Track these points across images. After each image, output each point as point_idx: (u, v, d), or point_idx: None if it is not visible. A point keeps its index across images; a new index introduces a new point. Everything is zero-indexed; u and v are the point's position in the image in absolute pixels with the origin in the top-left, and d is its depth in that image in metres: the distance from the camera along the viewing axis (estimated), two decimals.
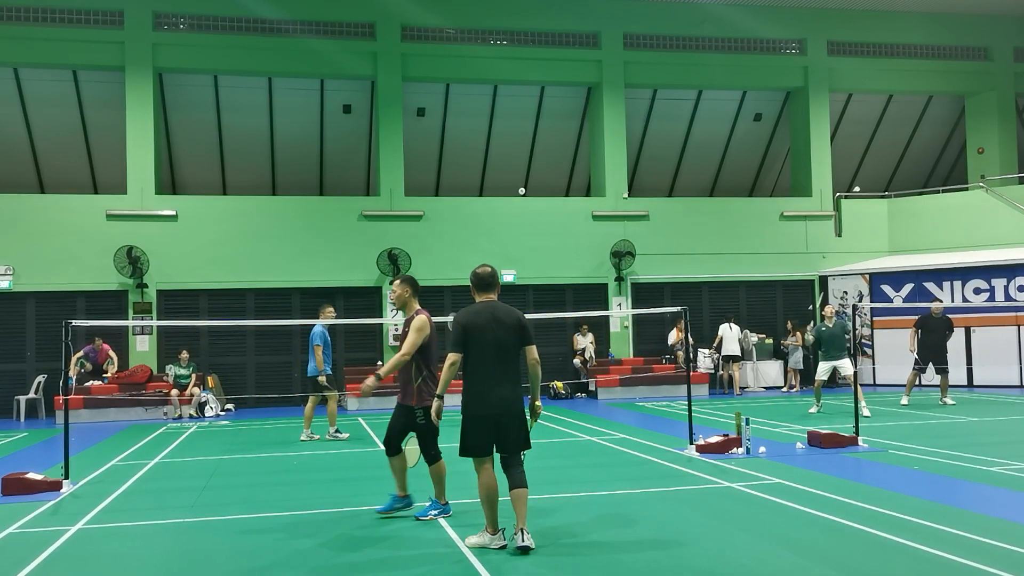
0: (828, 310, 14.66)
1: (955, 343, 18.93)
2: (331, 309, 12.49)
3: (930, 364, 15.27)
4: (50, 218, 17.89)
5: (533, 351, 5.99)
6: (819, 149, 21.54)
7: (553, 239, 19.95)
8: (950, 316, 15.95)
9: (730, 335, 19.25)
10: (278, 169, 21.10)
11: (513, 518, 5.91)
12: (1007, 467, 8.61)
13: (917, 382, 15.96)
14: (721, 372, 19.46)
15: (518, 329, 5.99)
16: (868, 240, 21.44)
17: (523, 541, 5.77)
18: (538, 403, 6.01)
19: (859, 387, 14.08)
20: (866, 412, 13.58)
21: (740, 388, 19.36)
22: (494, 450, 5.96)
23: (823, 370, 14.43)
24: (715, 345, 19.43)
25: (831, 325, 14.28)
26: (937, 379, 15.53)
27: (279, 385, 18.50)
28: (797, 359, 19.63)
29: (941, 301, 15.98)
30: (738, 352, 19.36)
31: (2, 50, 17.92)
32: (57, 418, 15.47)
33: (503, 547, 5.85)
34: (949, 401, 15.23)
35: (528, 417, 6.00)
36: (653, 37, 20.95)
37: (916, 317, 15.89)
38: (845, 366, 14.05)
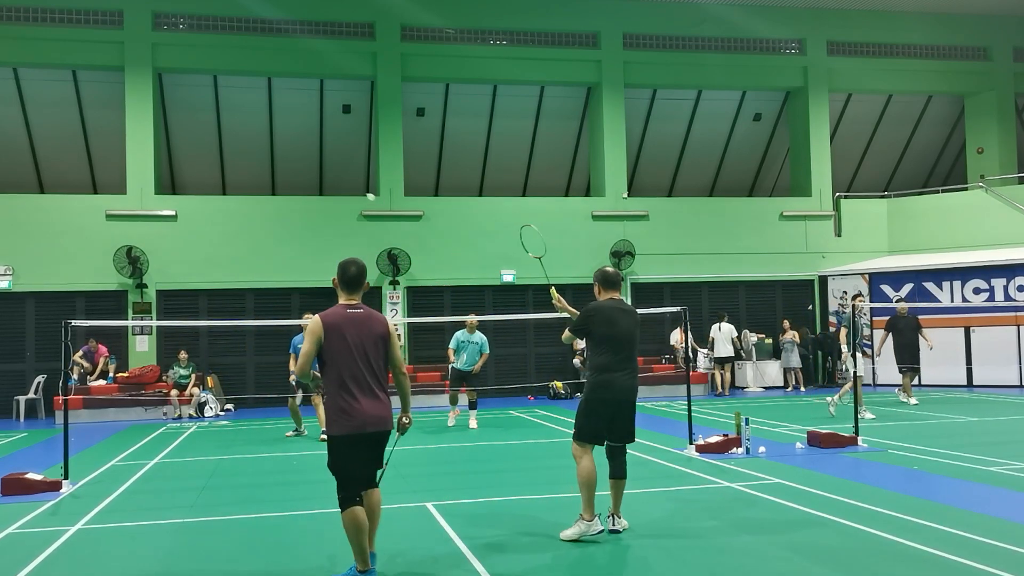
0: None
1: (955, 343, 18.96)
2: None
3: (908, 364, 14.93)
4: (50, 218, 17.88)
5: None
6: (819, 149, 21.54)
7: (553, 239, 19.71)
8: (918, 316, 15.53)
9: (720, 336, 19.11)
10: (278, 169, 21.10)
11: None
12: (1007, 467, 8.61)
13: (916, 381, 15.74)
14: (713, 372, 19.30)
15: (638, 327, 6.31)
16: (868, 240, 21.43)
17: (614, 525, 6.19)
18: None
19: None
20: (836, 407, 13.45)
21: (734, 388, 19.31)
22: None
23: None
24: (708, 347, 19.36)
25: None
26: (902, 377, 15.11)
27: (279, 385, 18.44)
28: (793, 359, 19.30)
29: (903, 299, 15.70)
30: (730, 353, 19.08)
31: (2, 50, 17.91)
32: (56, 418, 15.46)
33: (600, 532, 6.04)
34: (912, 400, 14.88)
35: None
36: (653, 37, 20.95)
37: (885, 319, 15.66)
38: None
